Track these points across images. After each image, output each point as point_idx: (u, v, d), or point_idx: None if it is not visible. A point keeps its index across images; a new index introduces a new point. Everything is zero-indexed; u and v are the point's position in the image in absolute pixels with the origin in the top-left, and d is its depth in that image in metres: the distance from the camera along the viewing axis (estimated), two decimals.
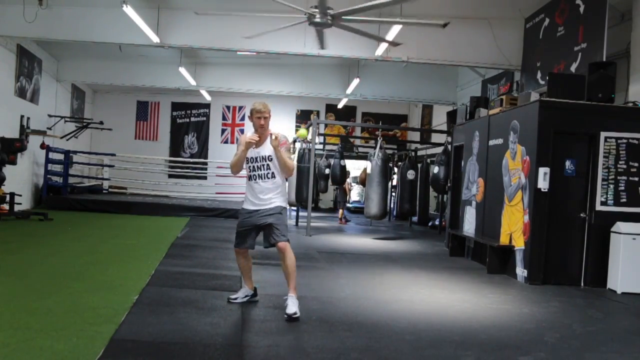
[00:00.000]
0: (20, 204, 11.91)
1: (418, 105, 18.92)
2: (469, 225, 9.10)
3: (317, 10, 7.42)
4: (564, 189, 7.08)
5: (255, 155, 4.75)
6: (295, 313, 4.52)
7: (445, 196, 12.28)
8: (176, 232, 10.28)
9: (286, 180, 5.01)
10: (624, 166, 7.06)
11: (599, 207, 7.01)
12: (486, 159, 8.56)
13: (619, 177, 7.04)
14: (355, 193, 19.98)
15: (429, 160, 14.68)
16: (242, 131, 19.82)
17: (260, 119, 4.71)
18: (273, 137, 4.63)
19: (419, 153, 15.52)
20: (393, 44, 9.15)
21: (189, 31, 10.76)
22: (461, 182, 9.64)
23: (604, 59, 7.58)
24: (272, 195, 4.78)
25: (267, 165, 4.75)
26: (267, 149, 4.73)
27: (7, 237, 8.74)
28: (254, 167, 4.77)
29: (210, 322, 4.38)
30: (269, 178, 4.76)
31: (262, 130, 4.74)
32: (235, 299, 5.03)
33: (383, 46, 10.24)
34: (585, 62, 7.80)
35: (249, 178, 4.81)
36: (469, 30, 10.58)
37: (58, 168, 15.23)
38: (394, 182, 15.96)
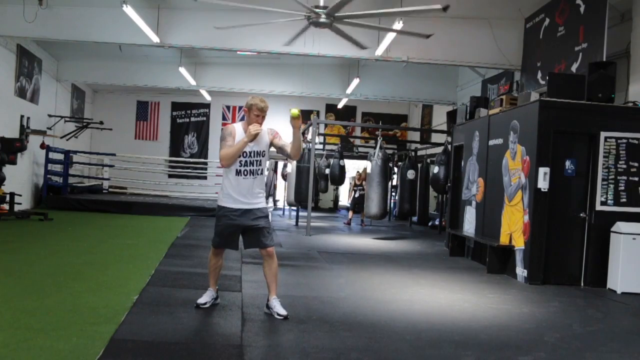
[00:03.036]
0: (20, 204, 11.91)
1: (418, 105, 18.92)
2: (469, 225, 9.10)
3: (318, 10, 7.42)
4: (564, 189, 7.09)
5: (249, 149, 4.52)
6: (287, 314, 4.53)
7: (445, 196, 12.28)
8: (176, 232, 10.28)
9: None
10: (624, 166, 7.05)
11: (599, 207, 7.01)
12: (486, 159, 8.56)
13: (619, 177, 7.04)
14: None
15: (429, 160, 14.68)
16: None
17: (259, 117, 4.49)
18: (259, 129, 4.45)
19: (419, 153, 15.52)
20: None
21: (189, 31, 10.76)
22: (461, 182, 9.64)
23: (604, 59, 7.58)
24: (260, 193, 4.64)
25: (260, 161, 4.57)
26: (261, 144, 4.57)
27: (7, 237, 8.74)
28: (246, 162, 4.52)
29: (210, 322, 4.38)
30: (259, 174, 4.59)
31: None
32: (205, 304, 4.72)
33: (383, 46, 10.24)
34: (586, 62, 7.80)
35: (238, 173, 4.52)
36: (469, 30, 10.59)
37: (58, 168, 15.24)
38: (394, 182, 15.97)
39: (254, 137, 4.43)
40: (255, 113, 4.49)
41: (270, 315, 4.62)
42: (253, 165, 4.54)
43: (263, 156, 4.60)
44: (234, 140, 4.48)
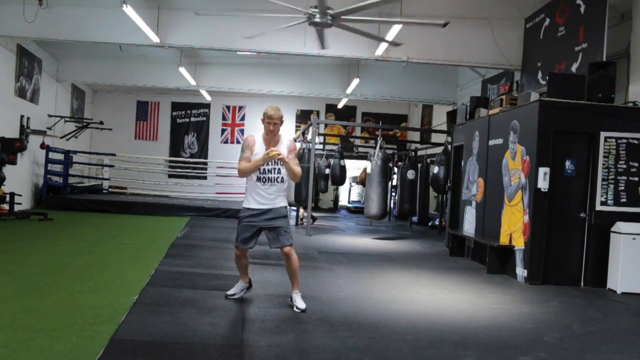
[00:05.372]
0: (20, 204, 11.90)
1: (418, 105, 18.90)
2: (469, 225, 9.10)
3: (317, 10, 7.41)
4: (564, 189, 7.09)
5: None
6: (305, 307, 4.81)
7: (445, 196, 12.27)
8: (176, 232, 10.28)
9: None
10: (624, 166, 7.05)
11: (599, 207, 7.01)
12: (486, 159, 8.56)
13: (619, 177, 7.04)
14: (355, 193, 20.01)
15: (429, 160, 14.67)
16: (242, 131, 19.81)
17: (270, 124, 4.77)
18: (277, 153, 4.71)
19: (419, 153, 15.51)
20: (393, 43, 9.08)
21: (189, 31, 10.74)
22: (461, 182, 9.64)
23: (604, 59, 7.58)
24: (280, 197, 4.93)
25: (278, 169, 4.85)
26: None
27: (7, 237, 8.74)
28: (265, 170, 4.82)
29: (210, 322, 4.38)
30: (278, 182, 4.88)
31: (272, 134, 4.82)
32: (234, 294, 5.11)
33: (383, 46, 10.23)
34: (586, 62, 7.79)
35: (258, 179, 4.85)
36: (469, 30, 10.57)
37: (58, 168, 15.22)
38: (394, 182, 15.96)
39: (269, 159, 4.70)
40: (267, 121, 4.79)
41: (270, 315, 4.63)
42: (272, 173, 4.83)
43: (282, 165, 4.85)
44: (251, 153, 4.81)
